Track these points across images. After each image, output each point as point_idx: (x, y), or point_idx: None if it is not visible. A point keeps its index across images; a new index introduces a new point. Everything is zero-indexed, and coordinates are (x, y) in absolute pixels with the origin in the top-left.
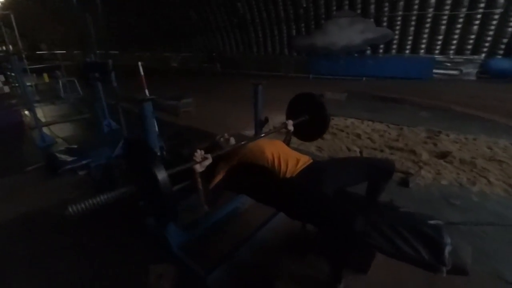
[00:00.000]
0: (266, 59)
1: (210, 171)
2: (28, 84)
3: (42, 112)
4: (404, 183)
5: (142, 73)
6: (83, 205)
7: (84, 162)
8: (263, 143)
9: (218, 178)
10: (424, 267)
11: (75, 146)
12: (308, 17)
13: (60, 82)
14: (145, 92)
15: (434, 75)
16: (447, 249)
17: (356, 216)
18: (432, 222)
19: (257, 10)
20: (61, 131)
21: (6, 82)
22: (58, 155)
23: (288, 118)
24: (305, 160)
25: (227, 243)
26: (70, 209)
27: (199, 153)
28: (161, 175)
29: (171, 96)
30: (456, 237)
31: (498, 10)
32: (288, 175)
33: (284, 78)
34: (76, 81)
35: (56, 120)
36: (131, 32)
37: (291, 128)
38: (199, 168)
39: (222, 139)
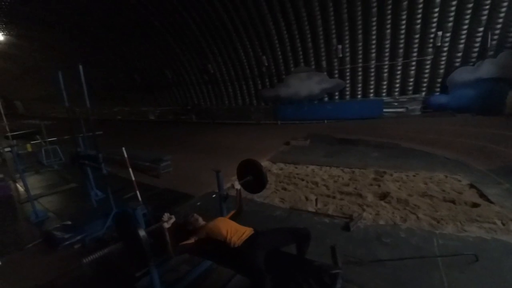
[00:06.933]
0: (237, 109)
1: (183, 236)
2: (8, 150)
3: (28, 183)
4: (346, 227)
5: (133, 178)
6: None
7: (79, 237)
8: (219, 223)
9: (189, 241)
10: None
11: (69, 222)
12: (270, 73)
13: (43, 150)
14: (137, 195)
15: (385, 114)
16: None
17: (266, 277)
18: (332, 271)
19: (226, 70)
20: (51, 203)
21: None
22: (55, 232)
23: (238, 177)
24: (247, 232)
25: None
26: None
27: (166, 215)
28: (142, 232)
29: (152, 159)
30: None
31: (429, 57)
32: (236, 244)
33: (255, 125)
34: (58, 148)
35: (45, 192)
36: (108, 88)
37: (238, 187)
38: (166, 225)
39: (192, 218)
